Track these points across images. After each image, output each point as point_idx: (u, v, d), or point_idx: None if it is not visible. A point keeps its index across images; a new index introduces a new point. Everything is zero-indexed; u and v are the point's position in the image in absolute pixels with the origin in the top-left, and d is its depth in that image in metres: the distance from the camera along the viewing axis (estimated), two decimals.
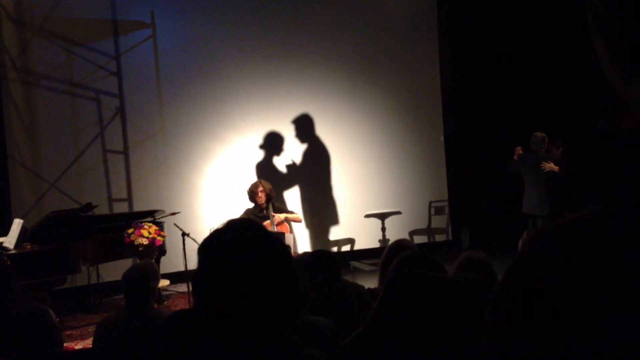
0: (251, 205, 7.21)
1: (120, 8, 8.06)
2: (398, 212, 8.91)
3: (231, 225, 1.43)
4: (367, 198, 8.92)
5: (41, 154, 7.81)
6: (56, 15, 7.78)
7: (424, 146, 9.26)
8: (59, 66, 7.84)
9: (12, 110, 7.67)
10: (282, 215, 7.12)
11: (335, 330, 2.80)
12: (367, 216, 8.84)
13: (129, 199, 8.12)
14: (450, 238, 9.41)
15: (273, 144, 8.65)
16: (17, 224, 6.26)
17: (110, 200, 8.05)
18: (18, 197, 7.65)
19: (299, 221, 7.54)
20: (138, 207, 7.96)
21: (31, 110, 7.80)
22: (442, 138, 9.34)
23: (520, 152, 7.38)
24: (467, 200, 9.24)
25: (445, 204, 9.38)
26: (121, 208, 8.04)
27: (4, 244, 6.09)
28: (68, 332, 6.01)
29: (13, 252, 5.95)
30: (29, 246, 6.16)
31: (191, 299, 4.95)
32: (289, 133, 8.70)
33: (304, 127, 8.73)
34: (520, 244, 7.71)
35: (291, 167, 8.71)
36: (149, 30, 8.17)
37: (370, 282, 5.28)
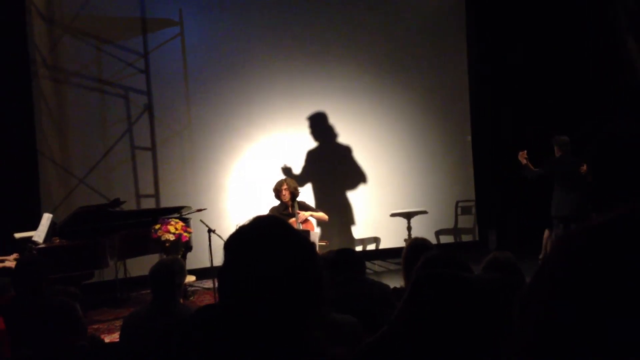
0: (277, 203, 7.23)
1: (148, 6, 8.13)
2: (424, 212, 8.86)
3: (257, 222, 1.42)
4: (393, 197, 8.88)
5: (70, 150, 7.92)
6: (86, 13, 7.87)
7: (451, 146, 9.19)
8: (88, 63, 7.94)
9: (42, 107, 7.79)
10: (307, 213, 7.12)
11: (360, 328, 2.79)
12: (393, 215, 8.80)
13: (156, 195, 8.19)
14: (477, 238, 9.33)
15: (299, 142, 8.66)
16: (46, 219, 6.35)
17: (138, 196, 8.13)
18: (47, 192, 7.77)
19: (325, 219, 7.54)
20: (165, 203, 8.03)
21: (61, 106, 7.91)
22: (469, 138, 9.26)
23: (526, 156, 7.35)
24: (494, 200, 9.14)
25: (472, 204, 9.30)
26: (148, 204, 8.12)
27: (34, 238, 6.19)
28: (95, 326, 6.08)
29: (42, 246, 6.05)
30: (57, 241, 6.26)
31: (217, 295, 4.98)
32: (315, 131, 8.69)
33: (331, 125, 8.72)
34: (545, 243, 7.65)
35: (317, 165, 8.70)
36: (177, 28, 8.23)
37: (395, 282, 5.25)
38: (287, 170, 8.44)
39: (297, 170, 8.54)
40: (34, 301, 3.63)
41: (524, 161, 7.41)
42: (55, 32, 7.84)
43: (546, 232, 7.76)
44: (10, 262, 6.39)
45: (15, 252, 6.45)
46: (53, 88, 7.85)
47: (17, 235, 6.54)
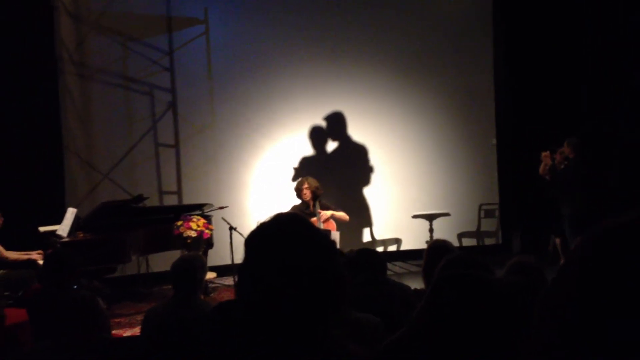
0: (298, 201, 7.23)
1: (174, 4, 8.19)
2: (447, 214, 8.80)
3: (278, 219, 1.42)
4: (415, 198, 8.83)
5: (95, 145, 8.00)
6: (112, 11, 7.95)
7: (475, 148, 9.12)
8: (114, 60, 8.02)
9: (68, 103, 7.88)
10: (329, 213, 7.11)
11: (382, 328, 2.78)
12: (415, 217, 8.76)
13: (179, 192, 8.25)
14: (500, 242, 9.24)
15: (321, 141, 8.66)
16: (70, 213, 6.43)
17: (161, 192, 8.20)
18: (72, 187, 7.87)
19: (346, 219, 7.53)
20: (187, 200, 8.08)
21: (86, 103, 8.00)
22: (494, 140, 9.17)
23: (550, 155, 7.31)
24: (518, 203, 9.03)
25: (496, 207, 9.21)
26: (171, 200, 8.18)
27: (58, 232, 6.27)
28: (117, 320, 6.14)
29: (66, 240, 6.12)
30: (81, 235, 6.33)
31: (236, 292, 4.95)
32: (337, 131, 8.69)
33: (353, 125, 8.71)
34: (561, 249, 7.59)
35: (339, 165, 8.69)
36: (202, 26, 8.28)
37: (416, 283, 5.22)
38: (308, 170, 8.44)
39: (318, 169, 8.53)
40: (57, 294, 3.67)
41: (549, 161, 7.33)
42: (82, 29, 7.92)
43: (558, 239, 7.72)
44: (34, 255, 6.49)
45: (40, 246, 6.55)
46: (79, 84, 7.94)
47: (42, 228, 6.64)
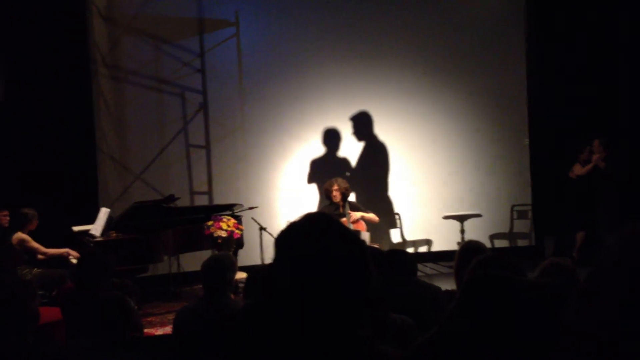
0: (327, 202, 7.22)
1: (206, 7, 8.26)
2: (478, 215, 8.71)
3: (308, 218, 1.41)
4: (446, 199, 8.75)
5: (128, 146, 8.11)
6: (145, 13, 8.05)
7: (508, 148, 9.00)
8: (146, 63, 8.12)
9: (101, 105, 8.00)
10: (359, 214, 7.08)
11: (415, 329, 2.77)
12: (446, 217, 8.68)
13: (209, 193, 8.31)
14: (533, 244, 9.10)
15: (351, 142, 8.64)
16: (103, 213, 6.52)
17: (192, 193, 8.27)
18: (105, 187, 7.98)
19: (376, 221, 7.49)
20: (218, 200, 8.13)
21: (119, 104, 8.11)
22: (527, 140, 9.04)
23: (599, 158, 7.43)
24: (551, 205, 8.88)
25: (529, 208, 9.07)
26: (202, 201, 8.24)
27: (91, 232, 6.36)
28: (149, 319, 6.20)
29: (99, 239, 6.21)
30: (114, 234, 6.41)
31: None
32: (367, 132, 8.65)
33: (384, 126, 8.66)
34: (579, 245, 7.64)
35: (369, 165, 8.66)
36: (233, 28, 8.33)
37: (447, 285, 5.18)
38: (336, 171, 8.43)
39: (347, 170, 8.52)
40: (90, 293, 3.72)
41: (602, 164, 7.51)
42: (115, 31, 8.04)
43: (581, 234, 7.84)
44: (71, 252, 6.59)
45: (74, 245, 6.65)
46: (112, 86, 8.05)
47: (76, 228, 6.74)
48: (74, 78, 7.69)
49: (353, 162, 8.63)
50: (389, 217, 8.65)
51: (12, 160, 7.19)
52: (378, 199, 8.61)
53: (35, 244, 6.43)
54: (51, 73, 7.42)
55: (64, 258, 6.53)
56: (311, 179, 8.45)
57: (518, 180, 9.04)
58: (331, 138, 8.56)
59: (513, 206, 9.02)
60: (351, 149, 8.65)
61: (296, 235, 1.37)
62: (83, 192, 7.62)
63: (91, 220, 6.59)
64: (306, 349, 1.29)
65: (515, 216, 9.04)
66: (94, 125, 7.94)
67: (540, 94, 8.91)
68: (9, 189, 6.89)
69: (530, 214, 9.07)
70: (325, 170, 8.38)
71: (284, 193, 8.42)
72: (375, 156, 8.69)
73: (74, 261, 6.06)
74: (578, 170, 7.96)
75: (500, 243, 8.96)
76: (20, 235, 6.39)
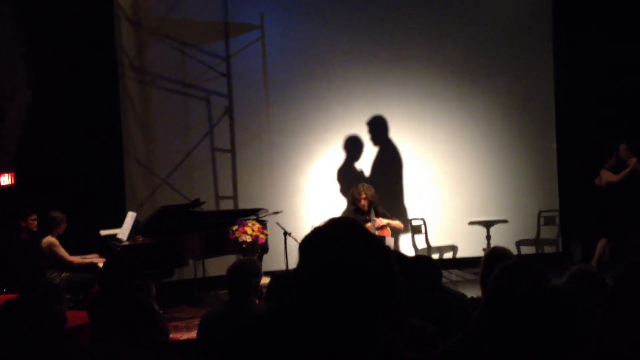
0: (352, 207, 7.21)
1: (231, 11, 8.31)
2: (504, 221, 8.60)
3: (333, 223, 1.41)
4: (471, 205, 8.67)
5: (154, 150, 8.18)
6: (171, 18, 8.12)
7: (535, 153, 8.89)
8: (172, 66, 8.19)
9: (128, 108, 8.09)
10: (385, 221, 7.05)
11: (437, 336, 2.74)
12: (472, 223, 8.59)
13: (234, 197, 8.34)
14: (561, 250, 8.97)
15: (376, 146, 8.61)
16: (130, 217, 6.58)
17: (217, 197, 8.30)
18: (132, 191, 8.06)
19: (401, 228, 7.45)
20: (243, 204, 8.16)
21: (146, 108, 8.19)
22: (554, 145, 8.93)
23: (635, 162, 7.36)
24: (580, 211, 8.73)
25: (556, 214, 8.94)
26: (227, 205, 8.27)
27: (118, 236, 6.43)
28: (174, 323, 6.23)
29: (126, 243, 6.26)
30: (140, 238, 6.46)
31: None
32: (392, 136, 8.62)
33: (409, 129, 8.61)
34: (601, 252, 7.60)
35: (394, 170, 8.62)
36: (257, 32, 8.37)
37: (472, 292, 5.12)
38: (363, 174, 8.41)
39: (372, 174, 8.48)
40: (117, 297, 3.74)
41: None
42: (141, 35, 8.12)
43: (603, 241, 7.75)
44: (95, 259, 6.67)
45: (100, 249, 6.72)
46: (139, 90, 8.13)
47: (103, 232, 6.82)
48: (101, 82, 7.79)
49: (377, 165, 8.59)
50: (420, 222, 8.64)
51: (40, 164, 7.29)
52: (405, 203, 8.57)
53: (62, 252, 6.51)
54: (79, 77, 7.52)
55: (92, 263, 6.61)
56: (335, 183, 8.43)
57: (545, 185, 8.93)
58: (355, 142, 8.54)
59: (540, 212, 8.90)
60: (375, 152, 8.62)
61: (321, 240, 1.37)
62: (110, 196, 7.70)
63: (118, 224, 6.66)
64: (330, 353, 1.28)
65: (542, 222, 8.92)
66: (121, 129, 8.03)
67: (568, 96, 8.78)
68: (37, 193, 6.99)
69: (557, 220, 8.94)
70: (349, 174, 8.37)
71: (309, 197, 8.42)
72: (402, 160, 8.64)
73: (101, 265, 6.13)
74: (610, 176, 7.81)
75: (526, 249, 8.84)
76: (49, 239, 6.49)
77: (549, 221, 8.93)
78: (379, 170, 8.55)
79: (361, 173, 8.45)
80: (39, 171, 7.24)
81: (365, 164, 8.56)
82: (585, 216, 8.47)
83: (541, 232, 8.94)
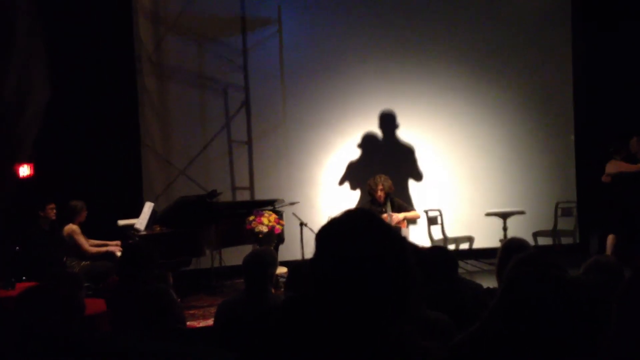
0: (368, 198, 7.21)
1: (248, 4, 8.32)
2: (521, 212, 8.55)
3: (349, 214, 1.42)
4: (488, 195, 8.63)
5: (172, 142, 8.24)
6: (189, 12, 8.15)
7: (552, 144, 8.82)
8: (190, 60, 8.24)
9: (146, 101, 8.15)
10: (401, 215, 7.05)
11: (452, 327, 2.75)
12: (488, 214, 8.56)
13: (251, 188, 8.38)
14: (578, 241, 8.91)
15: (392, 138, 8.59)
16: (148, 207, 6.65)
17: (234, 188, 8.35)
18: (149, 182, 8.13)
19: (417, 217, 7.44)
20: (259, 195, 8.20)
21: (164, 101, 8.24)
22: (572, 136, 8.86)
23: None
24: (597, 202, 8.65)
25: (574, 205, 8.88)
26: (243, 196, 8.32)
27: (136, 226, 6.50)
28: (191, 312, 6.30)
29: (143, 233, 6.33)
30: (158, 228, 6.53)
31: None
32: (409, 128, 8.59)
33: (426, 122, 8.59)
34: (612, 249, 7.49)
35: (410, 161, 8.60)
36: (275, 26, 8.38)
37: (488, 282, 5.12)
38: (380, 166, 8.39)
39: (388, 165, 8.46)
40: (134, 286, 3.79)
41: None
42: (159, 30, 8.17)
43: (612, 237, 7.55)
44: (112, 247, 6.76)
45: (119, 239, 6.82)
46: (157, 83, 8.19)
47: (121, 222, 6.90)
48: (119, 75, 7.85)
49: (393, 156, 8.58)
50: (437, 213, 8.63)
51: (60, 155, 7.38)
52: (421, 194, 8.55)
53: (81, 240, 6.60)
54: (98, 71, 7.58)
55: (110, 252, 6.70)
56: (351, 175, 8.44)
57: (563, 176, 8.87)
58: (371, 133, 8.53)
59: (557, 203, 8.85)
60: (391, 144, 8.61)
61: (337, 231, 1.38)
62: (128, 187, 7.78)
63: (136, 214, 6.73)
64: (346, 343, 1.29)
65: (559, 213, 8.87)
66: (139, 121, 8.10)
67: (587, 87, 8.70)
68: (57, 184, 7.08)
69: (575, 212, 8.88)
70: (365, 165, 8.36)
71: (325, 188, 8.44)
72: (418, 152, 8.63)
73: (119, 254, 6.20)
74: (625, 166, 7.60)
75: (544, 241, 8.80)
76: (71, 226, 6.59)
77: (566, 212, 8.87)
78: (395, 161, 8.53)
79: (377, 164, 8.43)
80: (58, 163, 7.33)
81: (381, 155, 8.54)
82: (603, 208, 8.39)
83: (558, 223, 8.89)
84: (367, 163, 8.44)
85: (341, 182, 8.45)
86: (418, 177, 8.61)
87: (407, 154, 8.62)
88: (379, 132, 8.56)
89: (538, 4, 8.80)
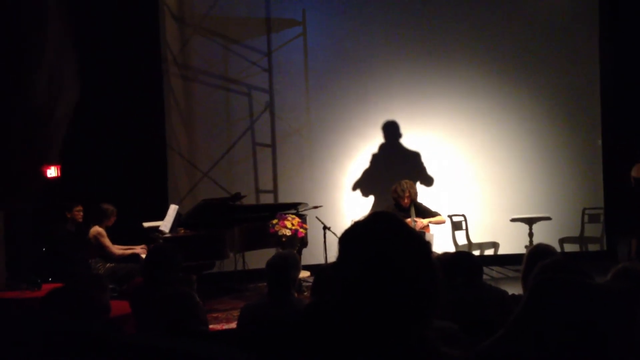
0: (392, 202, 7.18)
1: (273, 7, 8.36)
2: (547, 218, 8.45)
3: (373, 218, 1.41)
4: (514, 201, 8.54)
5: (196, 144, 8.30)
6: (214, 14, 8.22)
7: (579, 149, 8.71)
8: (215, 62, 8.29)
9: (172, 103, 8.23)
10: (425, 221, 7.00)
11: (460, 335, 2.72)
12: (514, 220, 8.46)
13: (275, 191, 8.40)
14: (605, 248, 8.78)
15: (416, 142, 8.55)
16: (172, 210, 6.69)
17: (257, 191, 8.38)
18: (174, 184, 8.19)
19: (442, 222, 7.39)
20: (282, 199, 8.21)
21: (189, 103, 8.31)
22: (599, 141, 8.73)
23: None
24: (625, 208, 8.51)
25: (601, 211, 8.75)
26: (267, 199, 8.34)
27: (160, 228, 6.54)
28: (215, 315, 6.31)
29: (168, 235, 6.37)
30: (182, 231, 6.57)
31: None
32: (433, 132, 8.54)
33: (451, 126, 8.53)
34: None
35: (434, 165, 8.55)
36: (299, 28, 8.40)
37: (514, 289, 5.06)
38: (403, 170, 8.35)
39: (412, 170, 8.42)
40: (158, 288, 3.81)
41: None
42: (185, 31, 8.24)
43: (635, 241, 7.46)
44: (138, 250, 6.81)
45: (144, 241, 6.87)
46: (182, 85, 8.26)
47: (146, 224, 6.95)
48: (146, 77, 7.94)
49: (417, 160, 8.54)
50: (462, 218, 8.56)
51: (86, 157, 7.47)
52: (446, 199, 8.49)
53: (107, 242, 6.67)
54: (124, 73, 7.67)
55: (135, 254, 6.76)
56: (372, 178, 8.41)
57: (590, 182, 8.74)
58: (395, 137, 8.50)
59: (584, 209, 8.72)
60: (415, 148, 8.56)
61: (361, 234, 1.37)
62: (153, 189, 7.85)
63: (161, 216, 6.78)
64: (369, 348, 1.29)
65: (586, 220, 8.74)
66: (165, 123, 8.16)
67: (614, 92, 8.58)
68: (82, 186, 7.16)
69: (602, 218, 8.75)
70: (387, 169, 8.32)
71: (349, 192, 8.42)
72: (443, 156, 8.57)
73: (144, 256, 6.25)
74: None
75: (570, 247, 8.68)
76: (97, 229, 6.66)
77: (593, 219, 8.74)
78: (419, 166, 8.49)
79: (401, 169, 8.39)
80: (85, 164, 7.42)
81: (404, 159, 8.50)
82: (630, 214, 8.25)
83: (585, 230, 8.76)
84: (389, 166, 8.40)
85: (359, 186, 8.41)
86: (434, 181, 8.53)
87: (431, 157, 8.56)
88: (402, 136, 8.51)
89: (565, 6, 8.70)
